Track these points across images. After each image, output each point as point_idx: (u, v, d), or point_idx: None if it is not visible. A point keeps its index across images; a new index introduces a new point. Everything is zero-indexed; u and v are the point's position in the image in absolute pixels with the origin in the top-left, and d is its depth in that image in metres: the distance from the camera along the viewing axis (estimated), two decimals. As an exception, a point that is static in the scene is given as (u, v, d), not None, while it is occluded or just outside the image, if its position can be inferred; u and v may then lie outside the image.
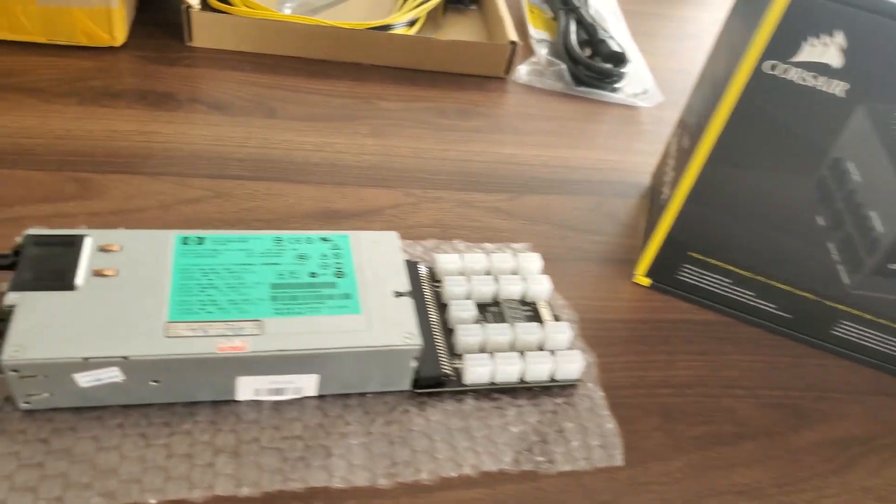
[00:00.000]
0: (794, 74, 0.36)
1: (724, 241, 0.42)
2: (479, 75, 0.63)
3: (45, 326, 0.32)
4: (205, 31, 0.59)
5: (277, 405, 0.36)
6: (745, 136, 0.38)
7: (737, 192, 0.40)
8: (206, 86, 0.56)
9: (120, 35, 0.57)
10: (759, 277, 0.43)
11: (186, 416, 0.35)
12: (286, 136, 0.53)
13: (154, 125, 0.52)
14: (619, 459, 0.37)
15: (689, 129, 0.44)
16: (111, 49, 0.57)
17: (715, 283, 0.44)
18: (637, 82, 0.64)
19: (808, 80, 0.36)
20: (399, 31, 0.62)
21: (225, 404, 0.35)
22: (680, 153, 0.45)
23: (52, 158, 0.47)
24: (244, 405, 0.36)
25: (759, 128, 0.38)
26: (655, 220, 0.45)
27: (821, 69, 0.35)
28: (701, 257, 0.44)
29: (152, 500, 0.31)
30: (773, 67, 0.36)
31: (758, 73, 0.36)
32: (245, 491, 0.32)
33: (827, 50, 0.35)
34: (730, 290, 0.44)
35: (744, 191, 0.40)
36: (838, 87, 0.35)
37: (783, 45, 0.35)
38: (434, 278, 0.42)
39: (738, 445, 0.39)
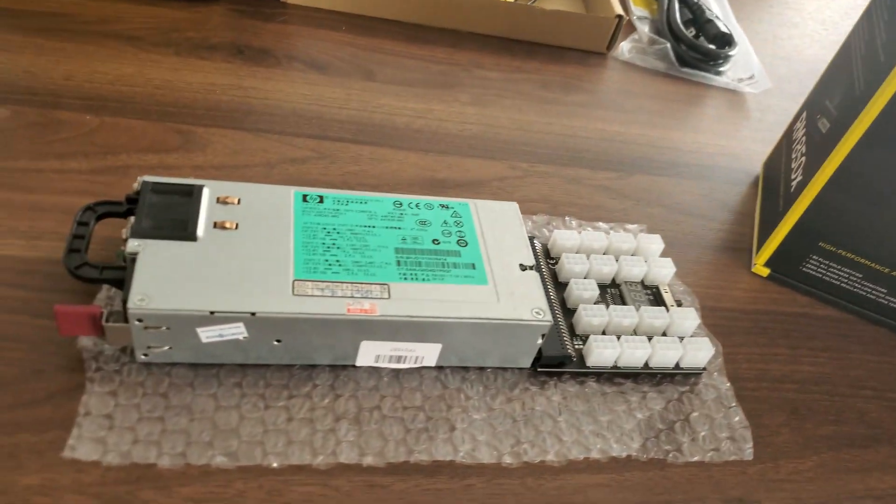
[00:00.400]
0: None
1: (861, 232, 0.40)
2: (580, 49, 0.61)
3: (169, 277, 0.31)
4: (302, -12, 0.57)
5: (396, 373, 0.34)
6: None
7: (888, 179, 0.38)
8: (303, 44, 0.55)
9: (216, -13, 0.56)
10: (894, 273, 0.41)
11: (305, 380, 0.33)
12: (386, 100, 0.51)
13: (252, 80, 0.50)
14: (748, 453, 0.35)
15: (828, 112, 0.42)
16: (206, 1, 0.56)
17: (843, 277, 0.42)
18: (743, 67, 0.62)
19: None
20: (499, -2, 0.60)
21: (342, 369, 0.34)
22: (814, 138, 0.43)
23: (153, 108, 0.46)
24: (362, 371, 0.34)
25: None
26: (778, 210, 0.43)
27: None
28: (832, 249, 0.41)
29: (275, 464, 0.30)
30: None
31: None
32: (369, 460, 0.31)
33: None
34: (858, 286, 0.42)
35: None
36: None
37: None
38: (549, 255, 0.41)
39: (873, 449, 0.37)
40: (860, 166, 0.38)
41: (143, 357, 0.32)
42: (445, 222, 0.37)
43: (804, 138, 0.44)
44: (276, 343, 0.32)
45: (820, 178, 0.39)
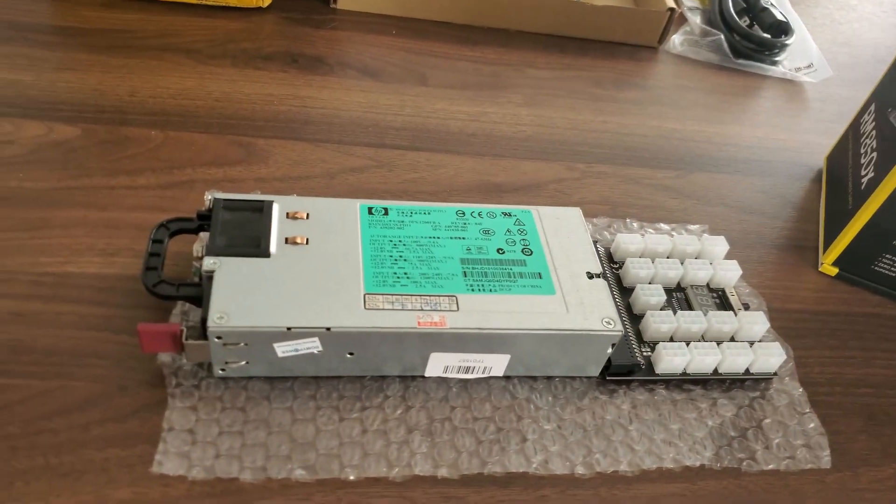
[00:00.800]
0: None
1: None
2: (631, 44, 0.60)
3: (246, 294, 0.32)
4: (352, -6, 0.58)
5: (464, 384, 0.35)
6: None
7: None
8: (355, 49, 0.55)
9: (268, -4, 0.56)
10: (968, 272, 0.40)
11: (376, 391, 0.34)
12: (440, 104, 0.52)
13: (308, 90, 0.51)
14: (826, 461, 0.35)
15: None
16: (258, 10, 0.57)
17: (915, 275, 0.41)
18: (801, 55, 0.61)
19: None
20: (549, -4, 0.60)
21: (412, 380, 0.35)
22: (885, 134, 0.42)
23: (214, 121, 0.47)
24: (431, 381, 0.35)
25: None
26: (847, 207, 0.42)
27: None
28: (906, 247, 0.41)
29: (352, 476, 0.31)
30: None
31: None
32: (443, 472, 0.32)
33: None
34: (931, 284, 0.41)
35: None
36: None
37: None
38: (612, 259, 0.41)
39: (954, 454, 0.36)
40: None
41: (220, 372, 0.33)
42: (509, 231, 0.37)
43: (874, 132, 0.43)
44: (348, 356, 0.33)
45: (895, 176, 0.39)
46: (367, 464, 0.31)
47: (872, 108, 0.45)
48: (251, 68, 0.52)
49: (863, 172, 0.43)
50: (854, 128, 0.48)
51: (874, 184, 0.40)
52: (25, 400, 0.31)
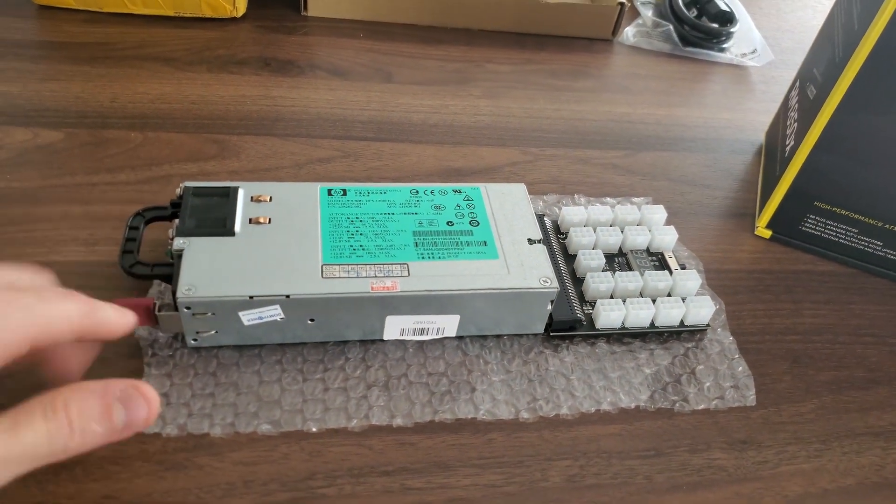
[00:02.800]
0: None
1: (852, 189, 0.42)
2: (587, 37, 0.63)
3: (212, 268, 0.35)
4: (320, 1, 0.61)
5: (420, 345, 0.38)
6: (882, 79, 0.38)
7: (869, 139, 0.40)
8: (325, 53, 0.59)
9: (241, 6, 0.60)
10: (888, 226, 0.43)
11: (338, 355, 0.37)
12: (404, 99, 0.55)
13: (279, 90, 0.54)
14: (751, 400, 0.37)
15: (815, 80, 0.44)
16: (233, 20, 0.60)
17: (840, 233, 0.44)
18: (746, 42, 0.64)
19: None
20: (506, -5, 0.63)
21: (371, 343, 0.38)
22: (804, 105, 0.45)
23: (190, 122, 0.50)
24: (390, 344, 0.38)
25: (898, 72, 0.38)
26: (776, 174, 0.45)
27: (965, 10, 0.35)
28: (827, 207, 0.44)
29: (314, 429, 0.34)
30: (914, 11, 0.36)
31: (898, 17, 0.36)
32: (398, 421, 0.35)
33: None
34: (856, 241, 0.44)
35: (877, 137, 0.40)
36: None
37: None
38: (559, 231, 0.44)
39: (872, 390, 0.39)
40: (842, 129, 0.40)
41: (192, 342, 0.36)
42: (458, 205, 0.40)
43: (797, 105, 0.47)
44: (310, 322, 0.36)
45: (808, 142, 0.42)
46: (327, 417, 0.34)
47: (797, 84, 0.49)
48: (226, 73, 0.55)
49: (787, 142, 0.46)
50: (784, 103, 0.51)
51: (794, 150, 0.43)
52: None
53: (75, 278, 0.39)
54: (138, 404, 0.27)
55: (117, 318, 0.30)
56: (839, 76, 0.39)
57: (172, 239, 0.36)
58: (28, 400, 0.25)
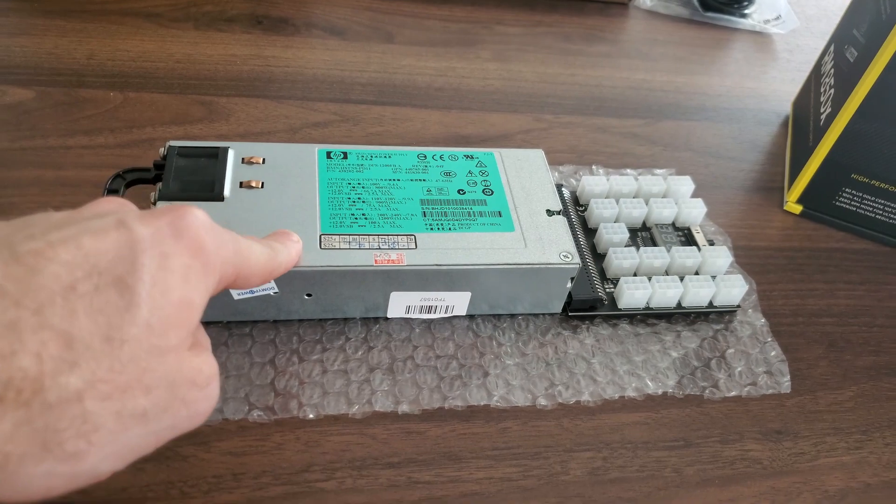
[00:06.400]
0: None
1: (893, 160, 0.39)
2: (601, 0, 0.60)
3: (199, 237, 0.31)
4: (317, -44, 0.57)
5: (428, 324, 0.35)
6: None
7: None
8: (321, 10, 0.55)
9: (232, -40, 0.56)
10: (930, 202, 0.40)
11: (338, 334, 0.34)
12: (406, 60, 0.51)
13: (272, 49, 0.50)
14: (786, 387, 0.34)
15: (855, 41, 0.41)
16: (222, -25, 0.56)
17: (878, 208, 0.41)
18: (769, 8, 0.60)
19: None
20: (515, -46, 0.59)
21: (374, 322, 0.34)
22: (842, 69, 0.42)
23: (175, 82, 0.46)
24: (394, 323, 0.34)
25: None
26: (808, 145, 0.42)
27: None
28: (864, 180, 0.40)
29: (311, 415, 0.31)
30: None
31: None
32: (404, 408, 0.31)
33: None
34: (894, 216, 0.41)
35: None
36: None
37: None
38: (578, 203, 0.40)
39: (915, 377, 0.36)
40: (889, 92, 0.37)
41: (178, 318, 0.32)
42: (471, 172, 0.37)
43: (832, 71, 0.43)
44: (306, 297, 0.33)
45: (849, 108, 0.38)
46: (326, 402, 0.31)
47: (832, 48, 0.45)
48: (214, 30, 0.51)
49: (822, 110, 0.43)
50: (816, 70, 0.48)
51: (830, 119, 0.40)
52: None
53: (46, 247, 0.35)
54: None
55: (289, 260, 0.29)
56: (887, 35, 0.36)
57: (154, 203, 0.33)
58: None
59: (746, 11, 0.59)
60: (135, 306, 0.20)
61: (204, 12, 0.52)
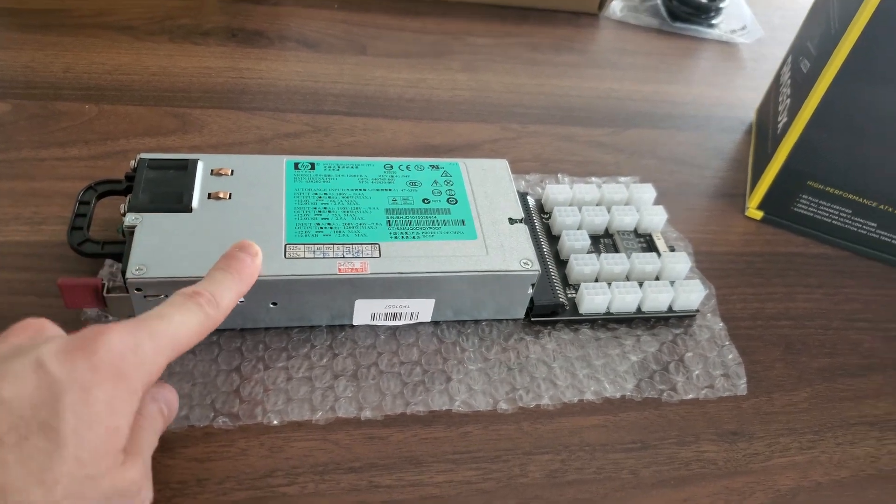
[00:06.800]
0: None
1: (846, 168, 0.40)
2: (571, 11, 0.61)
3: (166, 247, 0.32)
4: (291, -31, 0.58)
5: (393, 331, 0.35)
6: (883, 47, 0.36)
7: (866, 112, 0.38)
8: (295, 23, 0.55)
9: (207, -26, 0.56)
10: (883, 207, 0.41)
11: (304, 342, 0.34)
12: (379, 72, 0.52)
13: (246, 62, 0.51)
14: (742, 389, 0.35)
15: (809, 54, 0.42)
16: (198, -12, 0.57)
17: (834, 214, 0.42)
18: (735, 18, 0.62)
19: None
20: (487, -34, 0.60)
21: (340, 329, 0.35)
22: (797, 80, 0.43)
23: (149, 94, 0.47)
24: (360, 330, 0.35)
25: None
26: (767, 152, 0.43)
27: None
28: (820, 187, 0.42)
29: (275, 421, 0.31)
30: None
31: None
32: (367, 414, 0.32)
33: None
34: (850, 222, 0.42)
35: (874, 111, 0.38)
36: None
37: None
38: (543, 211, 0.41)
39: (867, 377, 0.37)
40: (838, 102, 0.38)
41: (146, 327, 0.33)
42: (436, 182, 0.38)
43: (789, 81, 0.44)
44: (272, 306, 0.33)
45: (802, 117, 0.40)
46: (290, 409, 0.32)
47: (790, 59, 0.46)
48: (189, 43, 0.52)
49: (779, 119, 0.44)
50: (776, 79, 0.49)
51: (786, 127, 0.41)
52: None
53: (18, 259, 0.36)
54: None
55: (230, 301, 0.29)
56: (834, 48, 0.37)
57: (124, 215, 0.34)
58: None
59: (714, 21, 0.61)
60: (62, 447, 0.22)
61: (179, 25, 0.53)
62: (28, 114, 0.44)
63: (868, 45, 0.36)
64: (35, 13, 0.51)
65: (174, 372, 0.32)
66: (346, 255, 0.33)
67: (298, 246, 0.33)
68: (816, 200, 0.42)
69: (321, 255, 0.33)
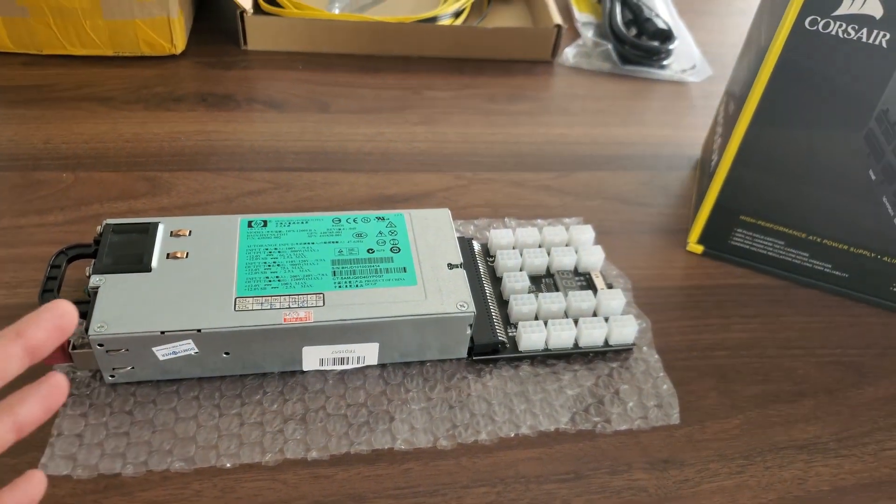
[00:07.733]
0: (836, 28, 0.36)
1: (775, 203, 0.42)
2: (526, 60, 0.64)
3: (126, 305, 0.35)
4: (258, 34, 0.61)
5: (342, 375, 0.38)
6: (788, 94, 0.39)
7: (783, 153, 0.40)
8: (262, 86, 0.59)
9: (180, 43, 0.60)
10: (812, 238, 0.43)
11: (256, 388, 0.37)
12: (339, 129, 0.55)
13: (214, 125, 0.54)
14: (675, 418, 0.37)
15: (734, 95, 0.44)
16: (172, 57, 0.60)
17: (768, 246, 0.44)
18: (685, 58, 0.64)
19: (851, 32, 0.36)
20: (445, 22, 0.63)
21: (292, 375, 0.37)
22: (727, 120, 0.45)
23: (123, 160, 0.50)
24: (310, 376, 0.37)
25: (803, 85, 0.38)
26: (705, 188, 0.45)
27: (862, 21, 0.35)
28: (752, 221, 0.44)
29: (228, 464, 0.34)
30: (814, 23, 0.36)
31: (799, 30, 0.37)
32: (313, 454, 0.34)
33: (867, 1, 0.35)
34: (784, 253, 0.44)
35: (790, 150, 0.40)
36: (881, 38, 0.35)
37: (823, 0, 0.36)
38: (488, 254, 0.44)
39: (797, 403, 0.39)
40: (755, 143, 0.41)
41: (110, 378, 0.36)
42: (381, 232, 0.40)
43: (722, 120, 0.47)
44: (225, 355, 0.36)
45: (728, 156, 0.42)
46: (242, 452, 0.34)
47: (724, 99, 0.49)
48: (163, 110, 0.55)
49: (713, 157, 0.46)
50: (715, 118, 0.51)
51: (717, 165, 0.43)
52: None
53: (-9, 322, 0.39)
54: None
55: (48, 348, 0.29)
56: (751, 90, 0.39)
57: (90, 276, 0.36)
58: None
59: (664, 63, 0.63)
60: None
61: (154, 93, 0.57)
62: (10, 184, 0.47)
63: (773, 94, 0.39)
64: (20, 89, 0.55)
65: (136, 421, 0.35)
66: (291, 306, 0.36)
67: (248, 299, 0.36)
68: (751, 234, 0.44)
69: (268, 307, 0.36)
